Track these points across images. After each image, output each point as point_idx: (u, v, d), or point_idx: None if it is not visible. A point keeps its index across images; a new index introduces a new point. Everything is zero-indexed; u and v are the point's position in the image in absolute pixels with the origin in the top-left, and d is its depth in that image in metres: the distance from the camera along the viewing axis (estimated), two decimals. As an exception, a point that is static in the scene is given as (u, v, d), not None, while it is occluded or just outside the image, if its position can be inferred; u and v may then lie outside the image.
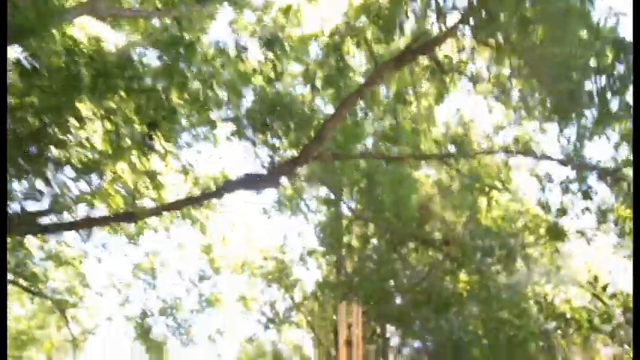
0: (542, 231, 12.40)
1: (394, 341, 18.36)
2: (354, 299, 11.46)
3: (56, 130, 11.37)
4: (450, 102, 15.01)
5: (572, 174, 12.00)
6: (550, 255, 13.03)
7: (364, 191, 12.09)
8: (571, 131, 12.01)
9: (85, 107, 11.66)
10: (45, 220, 11.89)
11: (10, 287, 16.32)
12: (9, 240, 12.90)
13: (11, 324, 21.46)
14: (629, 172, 11.11)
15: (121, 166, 12.14)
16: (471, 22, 9.14)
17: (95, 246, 19.10)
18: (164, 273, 20.83)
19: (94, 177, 12.13)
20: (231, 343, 21.91)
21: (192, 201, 11.20)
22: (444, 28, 9.08)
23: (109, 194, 12.07)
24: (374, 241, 15.07)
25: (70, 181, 12.17)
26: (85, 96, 11.37)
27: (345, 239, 13.02)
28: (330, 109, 11.85)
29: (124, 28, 11.62)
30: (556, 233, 12.03)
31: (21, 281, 16.41)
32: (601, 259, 15.02)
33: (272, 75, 11.33)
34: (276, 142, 11.81)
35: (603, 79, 10.41)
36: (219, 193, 10.82)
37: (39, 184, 11.63)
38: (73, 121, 11.47)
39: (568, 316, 11.05)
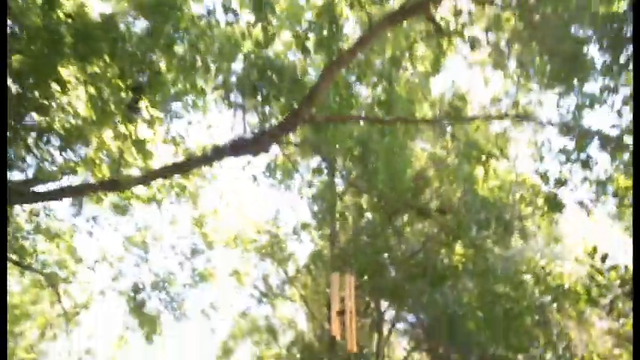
0: (540, 202, 11.96)
1: (388, 315, 18.09)
2: (348, 270, 11.06)
3: (37, 94, 10.87)
4: (446, 73, 14.55)
5: (572, 144, 11.59)
6: (547, 227, 12.63)
7: (358, 160, 11.61)
8: (571, 100, 11.64)
9: (67, 72, 11.16)
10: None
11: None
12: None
13: (3, 298, 21.04)
14: (631, 139, 10.66)
15: (107, 134, 11.67)
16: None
17: (86, 220, 18.79)
18: (156, 247, 20.41)
19: (79, 145, 11.69)
20: (224, 318, 21.57)
21: (179, 168, 10.70)
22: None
23: (95, 163, 11.60)
24: (368, 215, 14.69)
25: (55, 151, 11.79)
26: (67, 59, 10.85)
27: (339, 209, 12.57)
28: (322, 76, 11.34)
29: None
30: (554, 204, 11.59)
31: (10, 255, 16.00)
32: (599, 232, 14.63)
33: (262, 39, 10.79)
34: (267, 109, 11.32)
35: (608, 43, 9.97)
36: (207, 160, 10.32)
37: (22, 152, 11.18)
38: (55, 86, 10.99)
39: (566, 287, 10.68)
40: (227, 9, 10.74)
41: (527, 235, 13.04)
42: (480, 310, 12.82)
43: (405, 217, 12.66)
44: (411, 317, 16.91)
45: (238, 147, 9.73)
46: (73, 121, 11.22)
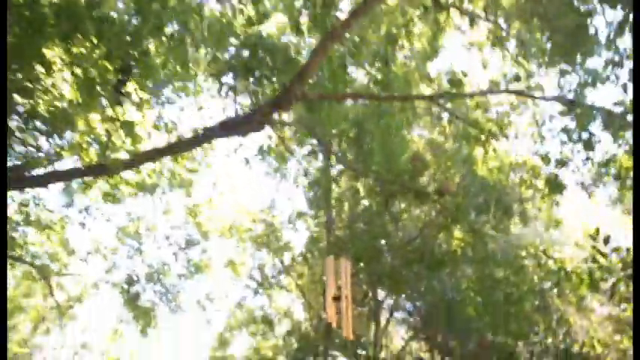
0: (540, 184, 11.55)
1: (386, 304, 17.69)
2: (344, 255, 10.65)
3: (20, 76, 10.38)
4: (444, 57, 14.08)
5: (573, 123, 11.17)
6: (548, 210, 12.24)
7: (353, 142, 11.17)
8: (573, 78, 11.21)
9: (52, 53, 10.68)
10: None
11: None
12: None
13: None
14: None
15: (94, 117, 11.18)
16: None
17: (78, 210, 18.30)
18: (150, 238, 19.92)
19: (64, 130, 11.20)
20: (220, 309, 21.12)
21: (168, 151, 10.22)
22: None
23: (81, 147, 11.11)
24: (365, 202, 14.27)
25: (41, 136, 11.31)
26: (52, 40, 10.36)
27: (335, 194, 12.13)
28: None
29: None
30: (555, 185, 11.17)
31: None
32: (599, 216, 14.25)
33: (253, 15, 10.31)
34: (259, 90, 10.85)
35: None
36: (196, 141, 9.84)
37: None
38: (39, 68, 10.51)
39: (568, 270, 10.28)
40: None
41: (528, 219, 12.64)
42: (479, 295, 12.42)
43: (403, 204, 12.20)
44: (408, 305, 16.48)
45: (229, 127, 9.26)
46: (58, 104, 10.74)
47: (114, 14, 10.47)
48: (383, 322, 18.02)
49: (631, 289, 11.32)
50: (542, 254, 10.98)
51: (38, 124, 11.13)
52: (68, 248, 19.17)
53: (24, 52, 10.19)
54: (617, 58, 9.63)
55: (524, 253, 12.78)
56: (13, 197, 15.03)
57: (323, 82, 10.57)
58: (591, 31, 9.45)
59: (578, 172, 11.21)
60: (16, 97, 10.38)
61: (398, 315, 17.93)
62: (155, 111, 12.35)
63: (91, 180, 13.49)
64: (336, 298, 9.13)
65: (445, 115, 16.07)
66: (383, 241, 13.03)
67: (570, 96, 11.24)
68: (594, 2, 9.15)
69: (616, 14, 9.23)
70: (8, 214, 15.46)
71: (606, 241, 10.38)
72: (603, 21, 9.37)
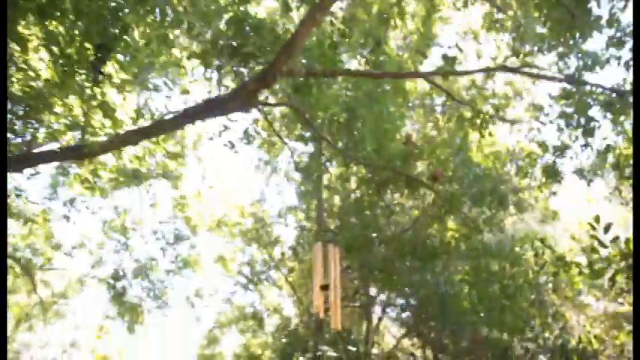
0: (537, 172, 11.00)
1: (378, 300, 17.08)
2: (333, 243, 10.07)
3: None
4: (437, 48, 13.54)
5: (571, 109, 10.63)
6: (544, 200, 11.69)
7: (344, 127, 10.58)
8: (571, 62, 10.68)
9: (28, 31, 10.04)
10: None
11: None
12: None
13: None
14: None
15: (72, 99, 10.53)
16: None
17: (63, 203, 17.63)
18: (137, 232, 19.25)
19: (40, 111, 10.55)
20: (209, 306, 20.44)
21: (148, 132, 9.58)
22: None
23: (59, 131, 10.45)
24: (356, 190, 13.68)
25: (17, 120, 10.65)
26: (26, 15, 9.72)
27: (325, 181, 11.52)
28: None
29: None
30: (552, 172, 10.63)
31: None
32: (595, 208, 13.71)
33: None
34: (245, 71, 10.25)
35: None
36: (179, 121, 9.21)
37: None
38: (14, 46, 9.87)
39: (568, 259, 9.72)
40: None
41: (524, 209, 12.09)
42: (474, 288, 11.82)
43: (395, 193, 11.61)
44: (401, 301, 15.85)
45: (212, 106, 8.64)
46: (33, 84, 10.09)
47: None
48: (375, 318, 17.43)
49: (629, 281, 10.79)
50: (540, 243, 10.43)
51: (11, 105, 10.47)
52: (52, 242, 18.52)
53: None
54: (618, 35, 9.10)
55: (520, 246, 12.19)
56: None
57: (313, 65, 10.00)
58: (591, 5, 8.92)
59: (576, 158, 10.69)
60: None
61: (390, 311, 17.31)
62: (138, 98, 11.73)
63: (69, 166, 12.88)
64: (324, 287, 8.54)
65: (438, 109, 15.61)
66: (374, 232, 12.39)
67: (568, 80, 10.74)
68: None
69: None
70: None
71: (607, 229, 9.82)
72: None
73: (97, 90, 10.11)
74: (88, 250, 19.37)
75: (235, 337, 20.28)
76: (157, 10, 9.74)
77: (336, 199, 14.87)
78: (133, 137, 9.40)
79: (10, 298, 20.78)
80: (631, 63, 8.98)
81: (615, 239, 10.19)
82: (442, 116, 14.62)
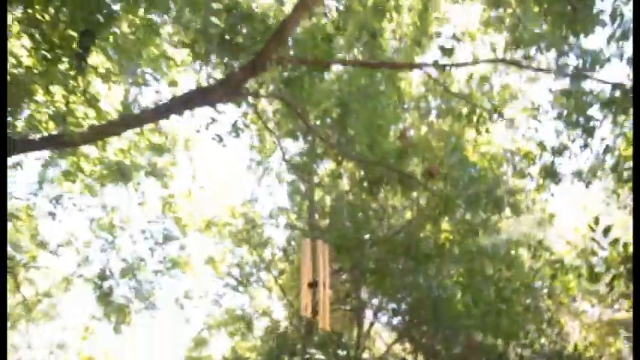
0: (534, 172, 10.60)
1: (370, 305, 16.59)
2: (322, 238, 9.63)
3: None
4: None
5: (571, 107, 10.25)
6: (542, 202, 11.28)
7: (337, 122, 10.16)
8: (570, 60, 10.30)
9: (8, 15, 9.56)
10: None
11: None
12: None
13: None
14: None
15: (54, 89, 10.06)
16: None
17: (48, 200, 17.09)
18: (126, 232, 18.68)
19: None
20: (198, 307, 19.86)
21: (131, 122, 9.11)
22: None
23: (39, 120, 9.97)
24: (348, 188, 13.23)
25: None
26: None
27: (316, 179, 11.06)
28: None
29: None
30: (550, 174, 10.23)
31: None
32: (593, 211, 13.30)
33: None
34: (235, 64, 9.80)
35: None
36: (164, 111, 8.75)
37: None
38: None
39: (567, 262, 9.31)
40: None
41: (520, 212, 11.68)
42: (469, 291, 11.36)
43: (388, 192, 11.17)
44: (393, 305, 15.35)
45: (199, 95, 8.19)
46: (14, 71, 9.62)
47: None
48: (366, 322, 16.94)
49: (629, 284, 10.38)
50: (538, 245, 10.01)
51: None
52: (37, 240, 17.94)
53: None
54: (619, 33, 8.71)
55: (515, 249, 11.75)
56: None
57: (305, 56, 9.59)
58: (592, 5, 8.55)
59: (575, 159, 10.30)
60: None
61: (382, 315, 16.79)
62: (125, 89, 11.25)
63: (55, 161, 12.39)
64: (312, 285, 8.06)
65: (434, 112, 15.20)
66: (366, 234, 11.93)
67: (568, 80, 10.37)
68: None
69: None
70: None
71: (606, 231, 9.42)
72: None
73: (80, 79, 9.68)
74: (74, 249, 18.82)
75: (224, 339, 19.72)
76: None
77: (328, 199, 14.41)
78: (116, 127, 8.94)
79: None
80: (631, 62, 8.59)
81: (615, 242, 9.81)
82: (437, 119, 14.24)
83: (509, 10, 10.32)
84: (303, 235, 11.50)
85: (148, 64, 11.13)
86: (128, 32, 10.11)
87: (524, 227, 13.24)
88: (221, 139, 9.99)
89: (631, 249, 9.77)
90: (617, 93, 9.18)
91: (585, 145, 10.10)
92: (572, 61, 10.14)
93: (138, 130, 11.00)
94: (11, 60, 9.76)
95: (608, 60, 9.71)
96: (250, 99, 9.85)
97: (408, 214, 13.58)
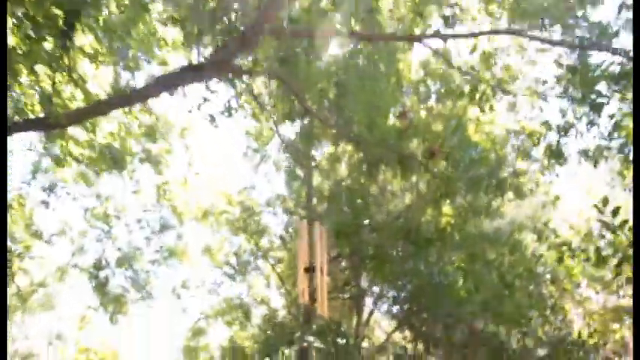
0: (539, 153, 10.16)
1: (370, 293, 16.22)
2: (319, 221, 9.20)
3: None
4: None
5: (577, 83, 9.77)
6: (546, 184, 10.85)
7: (333, 103, 9.69)
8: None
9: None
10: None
11: None
12: None
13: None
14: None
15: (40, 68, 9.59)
16: None
17: (42, 188, 16.66)
18: (121, 221, 18.26)
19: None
20: (195, 297, 19.48)
21: (119, 102, 8.65)
22: None
23: (25, 103, 9.50)
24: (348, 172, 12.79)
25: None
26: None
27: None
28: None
29: None
30: (556, 154, 9.78)
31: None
32: (597, 194, 12.85)
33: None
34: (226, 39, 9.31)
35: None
36: (153, 90, 8.28)
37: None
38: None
39: (573, 245, 8.89)
40: None
41: (523, 195, 11.25)
42: (470, 276, 10.95)
43: (388, 173, 10.73)
44: (393, 293, 14.96)
45: (189, 72, 7.73)
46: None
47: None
48: (366, 311, 16.58)
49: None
50: (544, 227, 9.59)
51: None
52: (31, 229, 17.53)
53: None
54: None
55: (519, 232, 11.34)
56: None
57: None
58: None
59: (581, 138, 9.84)
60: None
61: (382, 304, 16.42)
62: (114, 71, 10.75)
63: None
64: (309, 270, 7.67)
65: (433, 97, 14.71)
66: (365, 219, 11.51)
67: (574, 56, 9.90)
68: None
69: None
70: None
71: (615, 213, 8.98)
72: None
73: (66, 58, 9.20)
74: (69, 239, 18.42)
75: (222, 329, 19.36)
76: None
77: (326, 185, 13.96)
78: (103, 107, 8.47)
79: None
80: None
81: (623, 224, 9.37)
82: (437, 103, 13.78)
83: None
84: (300, 218, 11.05)
85: (139, 45, 10.65)
86: (116, 11, 9.65)
87: (527, 210, 12.80)
88: (213, 119, 9.54)
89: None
90: (628, 66, 8.71)
91: (592, 123, 9.64)
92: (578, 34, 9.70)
93: (128, 112, 10.51)
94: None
95: (617, 34, 9.27)
96: (245, 79, 9.38)
97: (408, 199, 13.13)
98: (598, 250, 8.75)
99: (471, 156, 10.75)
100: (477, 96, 8.90)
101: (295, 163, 11.38)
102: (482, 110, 9.09)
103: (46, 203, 16.44)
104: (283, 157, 15.84)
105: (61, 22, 8.95)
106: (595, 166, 9.83)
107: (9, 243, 16.90)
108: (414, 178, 11.86)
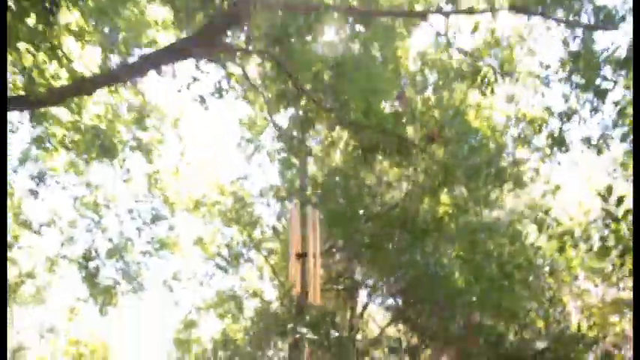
0: (541, 140, 9.78)
1: (364, 286, 15.83)
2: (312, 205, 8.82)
3: None
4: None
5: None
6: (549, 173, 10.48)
7: (329, 85, 9.27)
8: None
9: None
10: None
11: None
12: None
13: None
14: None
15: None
16: None
17: (30, 177, 16.19)
18: (112, 211, 17.79)
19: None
20: (187, 289, 19.05)
21: (105, 80, 8.20)
22: None
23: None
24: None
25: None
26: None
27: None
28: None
29: None
30: (558, 141, 9.41)
31: None
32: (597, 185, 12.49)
33: None
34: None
35: None
36: (140, 67, 7.84)
37: None
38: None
39: (577, 233, 8.53)
40: None
41: (523, 185, 10.88)
42: (469, 266, 10.57)
43: (386, 161, 10.32)
44: (388, 284, 14.58)
45: (176, 49, 7.29)
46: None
47: None
48: (360, 304, 16.22)
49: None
50: (545, 215, 9.22)
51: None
52: (20, 219, 17.05)
53: None
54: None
55: (519, 221, 10.96)
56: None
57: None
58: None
59: (584, 124, 9.48)
60: None
61: (377, 296, 16.04)
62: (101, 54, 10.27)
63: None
64: (301, 256, 7.27)
65: (431, 88, 14.30)
66: (361, 208, 11.09)
67: (578, 40, 9.51)
68: None
69: None
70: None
71: (620, 201, 8.61)
72: None
73: (49, 34, 8.73)
74: (58, 229, 17.94)
75: (214, 321, 18.95)
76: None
77: (320, 172, 13.53)
78: (87, 85, 8.00)
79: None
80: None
81: (627, 213, 9.00)
82: (434, 94, 13.39)
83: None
84: (293, 203, 10.63)
85: (127, 24, 10.18)
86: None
87: (527, 199, 12.42)
88: (204, 101, 9.10)
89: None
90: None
91: (596, 110, 9.28)
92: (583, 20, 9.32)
93: (114, 91, 10.03)
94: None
95: (623, 19, 8.90)
96: (237, 59, 8.94)
97: (405, 187, 12.70)
98: (603, 239, 8.37)
99: (470, 144, 10.36)
100: (479, 79, 8.51)
101: (289, 151, 10.94)
102: (484, 94, 8.71)
103: (34, 193, 16.02)
104: (277, 146, 15.44)
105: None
106: (598, 154, 9.48)
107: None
108: (410, 169, 11.46)
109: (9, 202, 16.04)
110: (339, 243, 12.37)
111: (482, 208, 10.33)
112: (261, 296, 16.95)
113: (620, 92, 9.54)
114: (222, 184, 17.43)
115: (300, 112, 9.80)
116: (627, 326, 12.28)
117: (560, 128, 9.46)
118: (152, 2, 9.80)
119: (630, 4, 8.57)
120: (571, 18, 8.84)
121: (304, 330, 10.27)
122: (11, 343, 23.04)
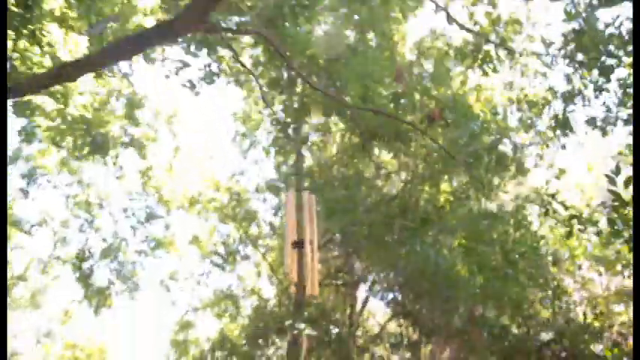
0: (544, 123, 9.37)
1: (364, 280, 15.39)
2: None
3: None
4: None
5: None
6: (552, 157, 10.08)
7: (324, 69, 8.86)
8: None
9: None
10: None
11: None
12: None
13: None
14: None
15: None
16: None
17: (22, 175, 15.74)
18: (105, 210, 17.32)
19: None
20: (184, 288, 18.56)
21: (90, 63, 7.71)
22: None
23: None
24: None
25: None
26: None
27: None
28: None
29: None
30: (562, 123, 9.00)
31: None
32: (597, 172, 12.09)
33: None
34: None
35: None
36: (125, 50, 7.36)
37: None
38: None
39: (585, 215, 8.11)
40: None
41: (525, 171, 10.47)
42: (471, 255, 10.11)
43: (384, 147, 9.89)
44: (388, 277, 14.13)
45: (160, 29, 6.82)
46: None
47: None
48: (360, 299, 15.76)
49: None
50: (550, 199, 8.79)
51: None
52: (10, 219, 16.54)
53: None
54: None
55: (524, 206, 10.49)
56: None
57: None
58: None
59: (589, 105, 9.07)
60: None
61: (377, 290, 15.58)
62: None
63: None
64: (298, 244, 6.80)
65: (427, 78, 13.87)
66: (360, 195, 10.64)
67: (579, 19, 9.11)
68: None
69: None
70: None
71: (627, 183, 8.17)
72: None
73: (30, 19, 8.28)
74: (50, 229, 17.47)
75: (211, 321, 18.45)
76: None
77: (318, 160, 13.08)
78: (70, 70, 7.52)
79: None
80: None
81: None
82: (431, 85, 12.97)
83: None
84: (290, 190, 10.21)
85: (112, 12, 9.74)
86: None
87: (531, 184, 11.98)
88: (193, 86, 8.65)
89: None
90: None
91: (600, 89, 8.87)
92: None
93: (98, 77, 9.57)
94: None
95: (629, -2, 8.48)
96: (229, 42, 8.49)
97: (404, 176, 12.24)
98: (612, 221, 7.92)
99: (472, 130, 9.94)
100: (480, 56, 8.10)
101: (285, 139, 10.51)
102: (485, 73, 8.30)
103: (25, 192, 15.58)
104: (273, 134, 14.94)
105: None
106: (603, 135, 9.07)
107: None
108: (408, 159, 11.03)
109: None
110: (337, 237, 11.92)
111: (485, 193, 9.89)
112: (259, 294, 16.47)
113: (625, 70, 9.15)
114: (217, 180, 16.98)
115: (295, 99, 9.38)
116: (632, 315, 11.88)
117: (564, 109, 9.04)
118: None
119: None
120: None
121: (302, 326, 9.81)
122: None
